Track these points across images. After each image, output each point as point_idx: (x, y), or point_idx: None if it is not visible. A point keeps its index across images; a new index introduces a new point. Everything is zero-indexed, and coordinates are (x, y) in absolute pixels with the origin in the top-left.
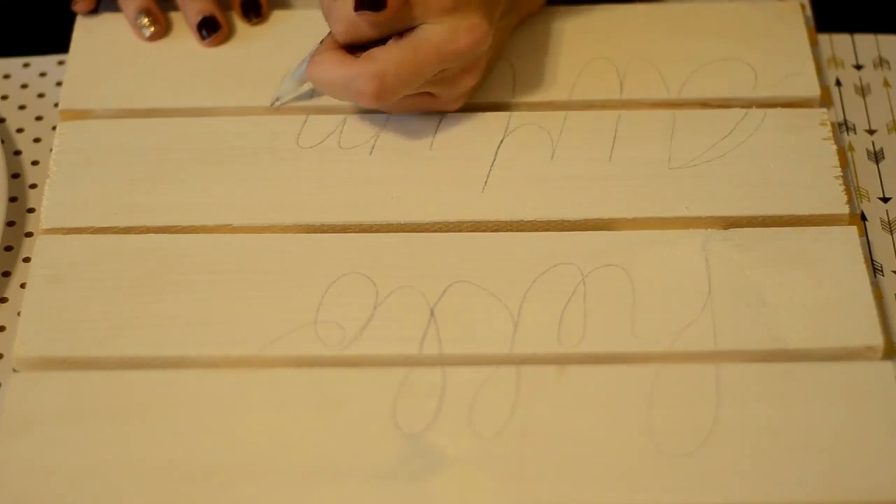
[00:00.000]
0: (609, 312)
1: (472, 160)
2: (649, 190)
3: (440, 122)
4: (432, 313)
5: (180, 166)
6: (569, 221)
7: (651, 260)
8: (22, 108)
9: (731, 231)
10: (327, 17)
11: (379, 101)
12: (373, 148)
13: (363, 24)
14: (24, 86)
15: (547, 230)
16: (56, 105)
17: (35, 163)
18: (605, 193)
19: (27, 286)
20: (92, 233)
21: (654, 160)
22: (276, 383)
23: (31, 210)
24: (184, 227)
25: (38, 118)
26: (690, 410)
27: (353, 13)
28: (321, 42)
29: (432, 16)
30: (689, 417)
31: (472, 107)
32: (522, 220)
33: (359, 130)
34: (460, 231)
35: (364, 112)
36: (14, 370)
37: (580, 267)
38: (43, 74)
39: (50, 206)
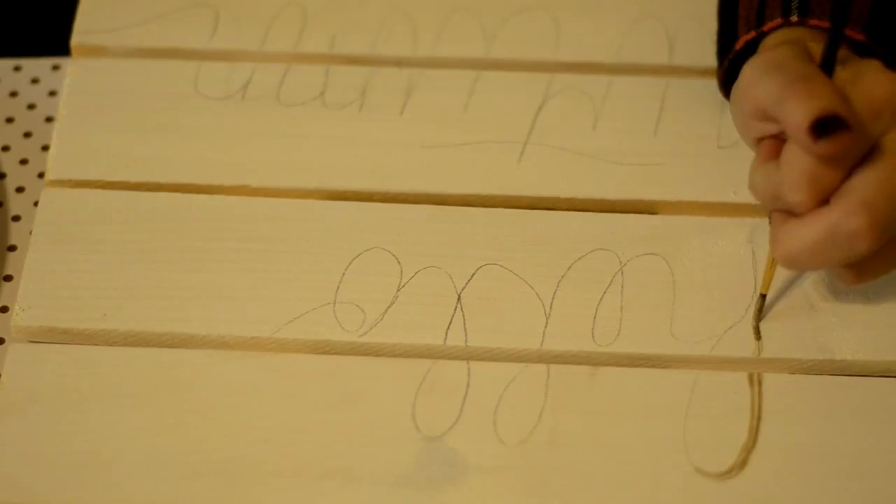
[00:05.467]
0: (647, 308)
1: (509, 126)
2: (695, 171)
3: (476, 81)
4: (459, 299)
5: (198, 116)
6: (608, 201)
7: (694, 250)
8: (10, 120)
9: None
10: (778, 188)
11: (875, 234)
12: (403, 108)
13: (826, 170)
14: (13, 94)
15: (584, 210)
16: (48, 119)
17: (20, 189)
18: (647, 172)
19: (30, 246)
20: (101, 187)
21: (702, 136)
22: (289, 370)
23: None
24: (198, 186)
25: (27, 134)
26: (729, 424)
27: (810, 166)
28: (769, 221)
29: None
30: (728, 432)
31: (511, 65)
32: (559, 198)
33: (389, 87)
34: (493, 205)
35: (395, 67)
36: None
37: (618, 254)
38: (35, 81)
39: (58, 154)
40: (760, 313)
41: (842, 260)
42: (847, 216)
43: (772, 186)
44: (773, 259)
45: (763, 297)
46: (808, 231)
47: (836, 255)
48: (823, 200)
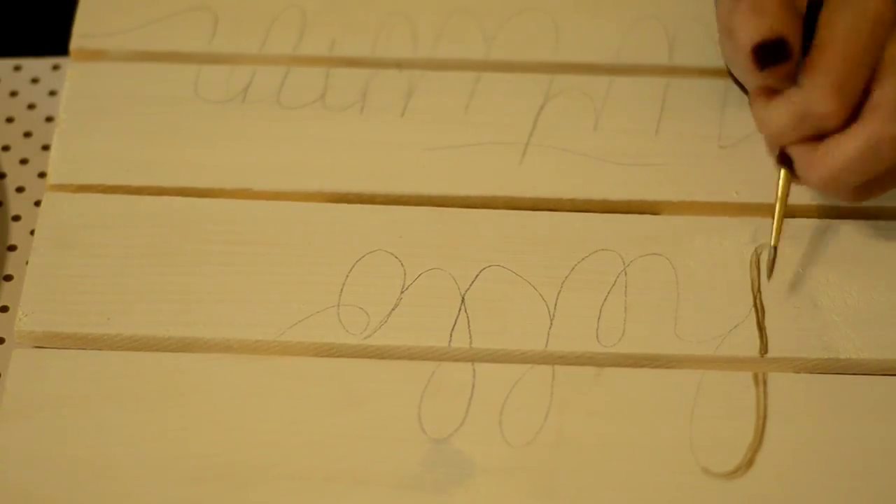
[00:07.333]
0: (651, 308)
1: (510, 127)
2: (697, 170)
3: (477, 82)
4: (463, 301)
5: (198, 119)
6: (610, 202)
7: (697, 250)
8: (10, 120)
9: (784, 221)
10: (805, 105)
11: (844, 109)
12: (404, 109)
13: (851, 78)
14: (13, 94)
15: (587, 210)
16: (48, 119)
17: (20, 189)
18: (649, 172)
19: (32, 251)
20: (102, 192)
21: (704, 136)
22: (294, 373)
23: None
24: (200, 190)
25: (27, 134)
26: (734, 424)
27: (837, 75)
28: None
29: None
30: (733, 432)
31: (512, 66)
32: (561, 199)
33: (389, 89)
34: (495, 207)
35: (395, 69)
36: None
37: (622, 255)
38: (35, 80)
39: (58, 158)
40: (773, 265)
41: (882, 171)
42: (888, 123)
43: (794, 110)
44: (781, 207)
45: (775, 249)
46: (851, 144)
47: (878, 166)
48: (851, 115)
